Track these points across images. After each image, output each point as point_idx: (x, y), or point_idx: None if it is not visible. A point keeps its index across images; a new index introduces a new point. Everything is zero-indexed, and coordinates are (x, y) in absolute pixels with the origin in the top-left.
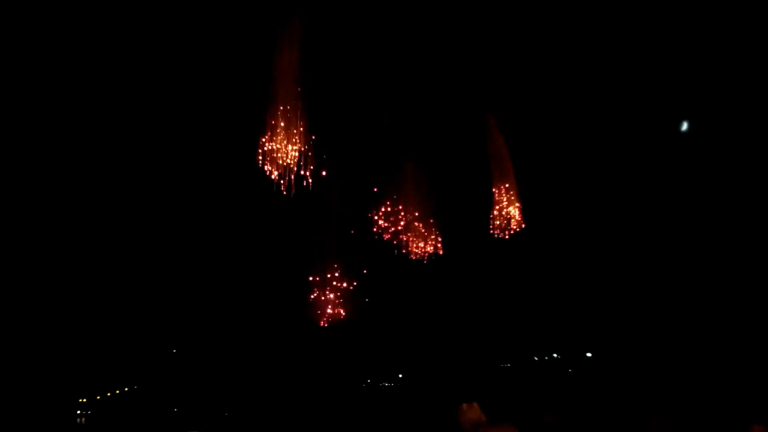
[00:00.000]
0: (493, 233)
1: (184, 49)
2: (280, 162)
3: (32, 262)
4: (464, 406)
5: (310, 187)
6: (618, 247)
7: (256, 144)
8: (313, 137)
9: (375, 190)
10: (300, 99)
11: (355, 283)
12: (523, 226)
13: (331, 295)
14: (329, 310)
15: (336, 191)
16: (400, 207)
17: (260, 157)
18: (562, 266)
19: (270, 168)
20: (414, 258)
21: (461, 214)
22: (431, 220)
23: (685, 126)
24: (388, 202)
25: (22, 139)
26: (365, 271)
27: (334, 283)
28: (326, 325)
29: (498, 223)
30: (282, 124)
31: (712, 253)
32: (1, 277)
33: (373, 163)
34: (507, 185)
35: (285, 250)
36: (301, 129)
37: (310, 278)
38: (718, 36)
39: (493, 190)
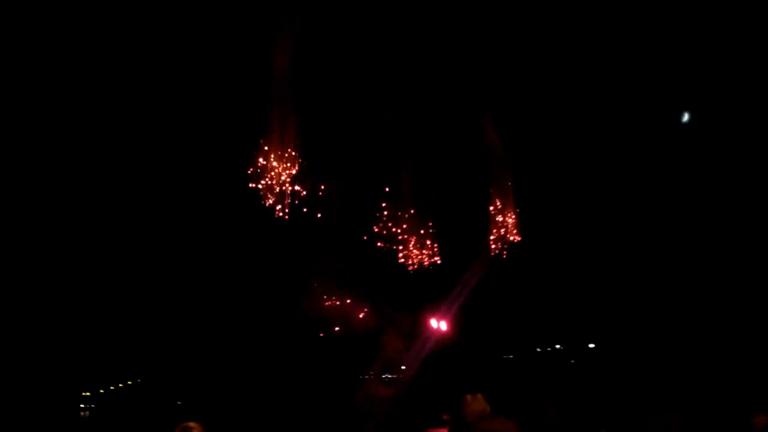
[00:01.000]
0: (493, 250)
1: (180, 51)
2: (276, 178)
3: (35, 259)
4: (468, 397)
5: (304, 207)
6: (621, 240)
7: (254, 145)
8: (304, 162)
9: (374, 192)
10: (295, 114)
11: (354, 278)
12: (519, 238)
13: (332, 297)
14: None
15: (335, 191)
16: (400, 213)
17: (254, 175)
18: (565, 258)
19: (264, 191)
20: (412, 266)
21: (461, 215)
22: (430, 225)
23: (686, 117)
24: (386, 211)
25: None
26: (365, 270)
27: (334, 283)
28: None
29: (497, 243)
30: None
31: (714, 248)
32: (4, 274)
33: (373, 163)
34: (504, 193)
35: (284, 249)
36: (294, 153)
37: (311, 277)
38: (718, 36)
39: (491, 207)
